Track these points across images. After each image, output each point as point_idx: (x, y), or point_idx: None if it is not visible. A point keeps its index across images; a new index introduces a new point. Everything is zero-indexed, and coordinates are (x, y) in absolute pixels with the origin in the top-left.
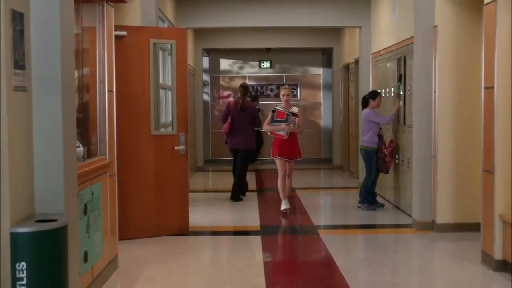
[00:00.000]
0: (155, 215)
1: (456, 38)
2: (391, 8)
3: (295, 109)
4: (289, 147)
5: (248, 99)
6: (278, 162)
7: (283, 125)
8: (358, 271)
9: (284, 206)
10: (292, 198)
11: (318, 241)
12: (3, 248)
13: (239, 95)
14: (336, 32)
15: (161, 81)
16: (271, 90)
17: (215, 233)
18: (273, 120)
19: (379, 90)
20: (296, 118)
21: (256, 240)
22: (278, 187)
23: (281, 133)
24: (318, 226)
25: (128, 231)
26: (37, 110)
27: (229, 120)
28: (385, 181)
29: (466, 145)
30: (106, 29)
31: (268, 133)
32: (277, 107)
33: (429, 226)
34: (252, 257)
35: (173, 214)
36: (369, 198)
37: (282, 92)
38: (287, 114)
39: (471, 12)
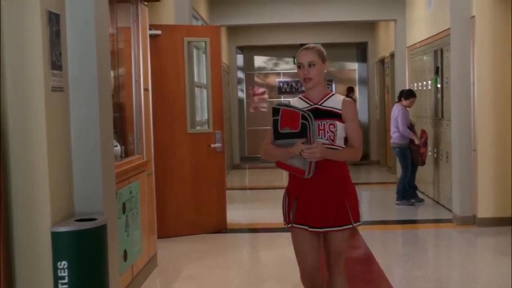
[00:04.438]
0: (193, 213)
1: (495, 29)
2: (427, 0)
3: (335, 101)
4: (321, 200)
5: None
6: (295, 237)
7: (297, 144)
8: (399, 267)
9: None
10: None
11: (357, 237)
12: (45, 247)
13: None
14: (371, 26)
15: (196, 79)
16: None
17: (253, 230)
18: (277, 134)
19: (415, 92)
20: (337, 123)
21: None
22: None
23: (295, 163)
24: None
25: (166, 229)
26: (75, 110)
27: None
28: (423, 175)
29: (506, 138)
30: (141, 29)
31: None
32: (288, 103)
33: (470, 221)
34: (290, 254)
35: (210, 212)
36: (409, 192)
37: (299, 57)
38: (306, 117)
39: (510, 1)
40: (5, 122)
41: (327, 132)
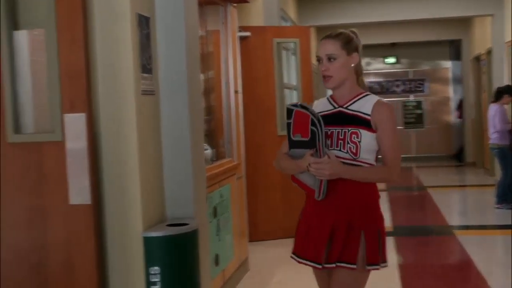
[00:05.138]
0: (283, 216)
1: None
2: None
3: (364, 104)
4: (330, 229)
5: None
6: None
7: (305, 156)
8: (501, 275)
9: None
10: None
11: (454, 242)
12: (137, 252)
13: None
14: (465, 22)
15: (285, 80)
16: (397, 86)
17: None
18: (290, 142)
19: None
20: (361, 132)
21: (389, 242)
22: None
23: (306, 180)
24: (453, 226)
25: (256, 233)
26: (165, 114)
27: None
28: None
29: None
30: (230, 30)
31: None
32: (302, 103)
33: None
34: None
35: None
36: (509, 195)
37: (317, 48)
38: (316, 124)
39: None
40: (97, 126)
41: (347, 142)
